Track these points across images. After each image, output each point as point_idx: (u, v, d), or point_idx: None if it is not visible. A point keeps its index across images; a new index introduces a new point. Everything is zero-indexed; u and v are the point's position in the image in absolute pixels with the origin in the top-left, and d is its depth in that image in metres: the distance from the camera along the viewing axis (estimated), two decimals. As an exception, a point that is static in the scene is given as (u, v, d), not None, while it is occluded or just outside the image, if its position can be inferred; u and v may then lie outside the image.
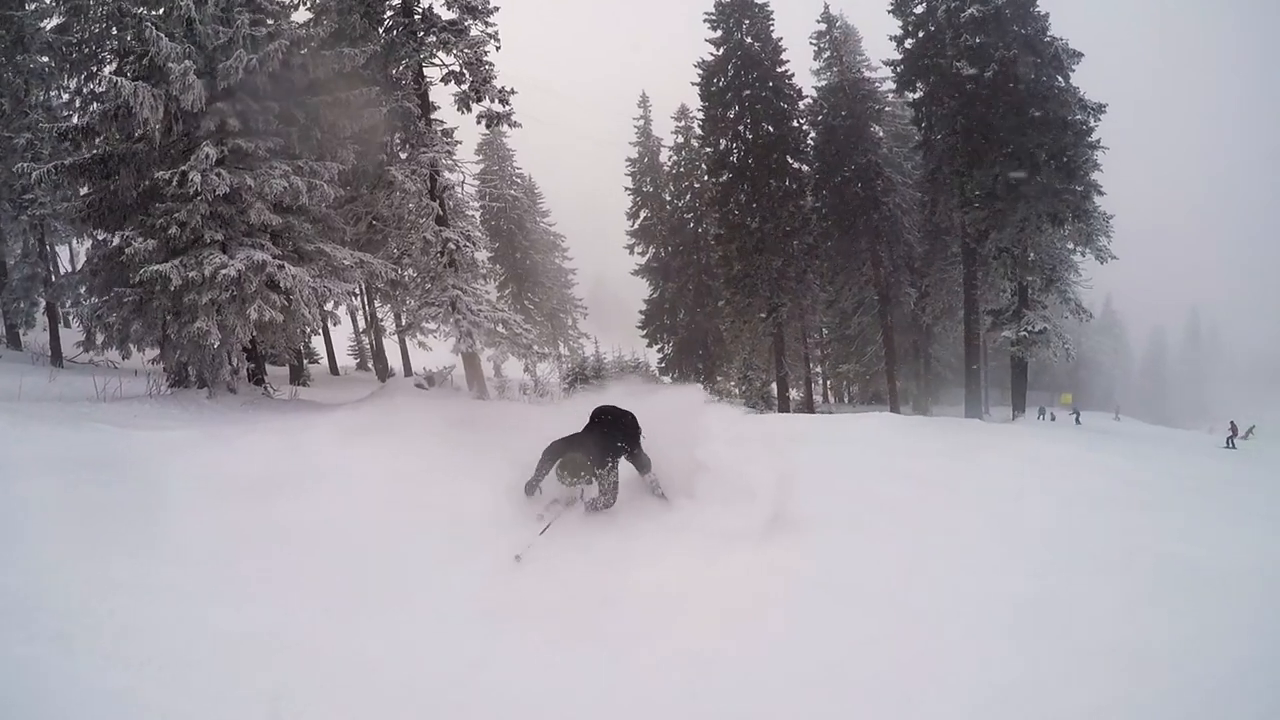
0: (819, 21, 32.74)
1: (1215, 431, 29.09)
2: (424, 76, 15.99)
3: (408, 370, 28.22)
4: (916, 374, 34.36)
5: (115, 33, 13.91)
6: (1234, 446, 24.59)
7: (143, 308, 11.05)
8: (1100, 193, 23.33)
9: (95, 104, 14.11)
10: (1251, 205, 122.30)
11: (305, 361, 25.70)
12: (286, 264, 11.11)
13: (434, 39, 15.92)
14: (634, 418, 6.65)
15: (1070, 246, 24.33)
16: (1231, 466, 16.04)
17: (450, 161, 16.13)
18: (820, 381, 40.08)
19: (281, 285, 10.98)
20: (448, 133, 16.05)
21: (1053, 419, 30.24)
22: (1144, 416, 45.63)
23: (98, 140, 11.53)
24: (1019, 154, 23.13)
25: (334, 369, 31.45)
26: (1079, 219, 23.02)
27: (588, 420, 6.62)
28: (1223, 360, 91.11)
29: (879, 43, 29.94)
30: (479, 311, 15.76)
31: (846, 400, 40.24)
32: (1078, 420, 29.80)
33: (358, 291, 26.38)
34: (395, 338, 27.77)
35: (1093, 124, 23.30)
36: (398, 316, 23.60)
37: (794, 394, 34.47)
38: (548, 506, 6.27)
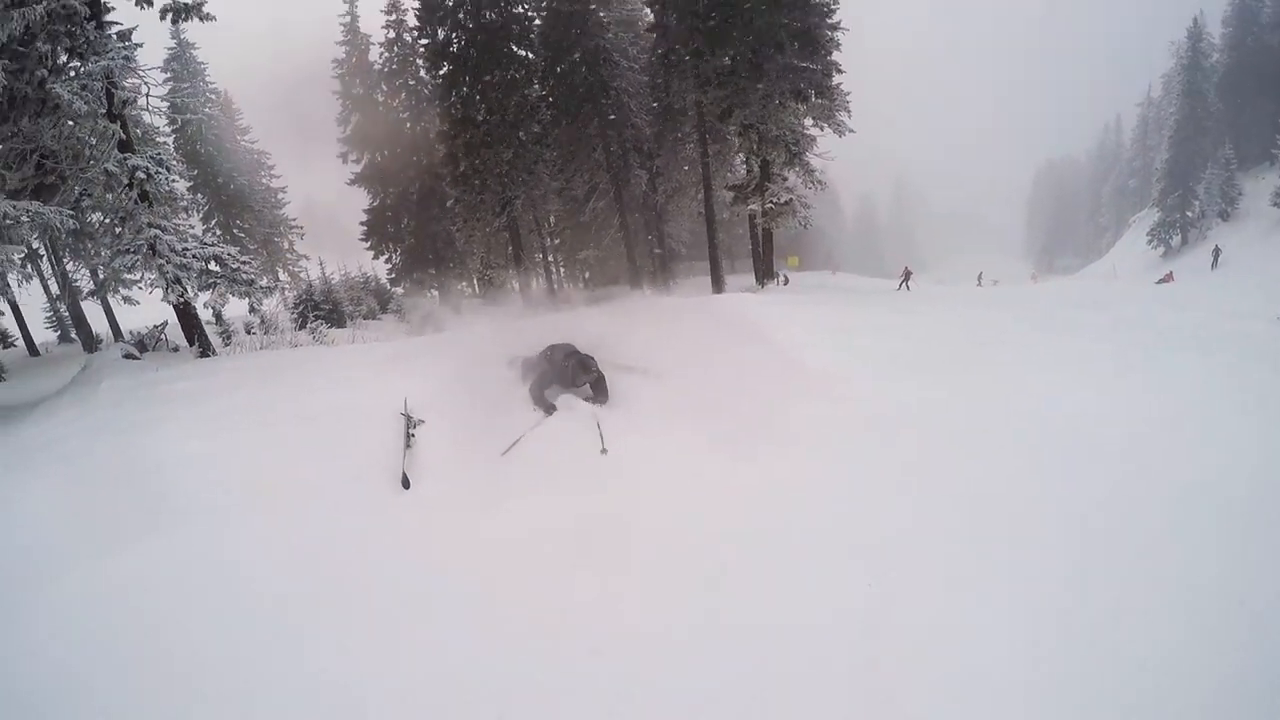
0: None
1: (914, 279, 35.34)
2: (90, -36, 12.88)
3: (117, 334, 24.05)
4: (651, 253, 36.12)
5: None
6: (907, 288, 30.62)
7: None
8: (840, 71, 25.01)
9: None
10: (946, 86, 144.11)
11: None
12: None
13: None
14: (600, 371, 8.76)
15: (810, 121, 25.74)
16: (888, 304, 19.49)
17: (132, 74, 13.34)
18: (557, 270, 40.55)
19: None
20: (124, 35, 13.14)
21: (786, 281, 32.90)
22: (860, 270, 51.89)
23: None
24: (763, 32, 23.99)
25: (32, 349, 26.29)
26: (821, 95, 24.63)
27: (551, 355, 8.92)
28: (925, 217, 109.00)
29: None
30: (185, 250, 13.68)
31: (583, 286, 40.88)
32: (786, 282, 32.71)
33: (42, 251, 22.11)
34: (97, 299, 23.71)
35: (834, 6, 24.57)
36: (93, 273, 20.06)
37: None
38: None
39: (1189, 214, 50.45)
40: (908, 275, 34.34)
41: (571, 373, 8.57)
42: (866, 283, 37.23)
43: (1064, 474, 6.07)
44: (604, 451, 7.27)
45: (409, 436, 7.49)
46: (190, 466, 6.69)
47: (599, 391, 8.67)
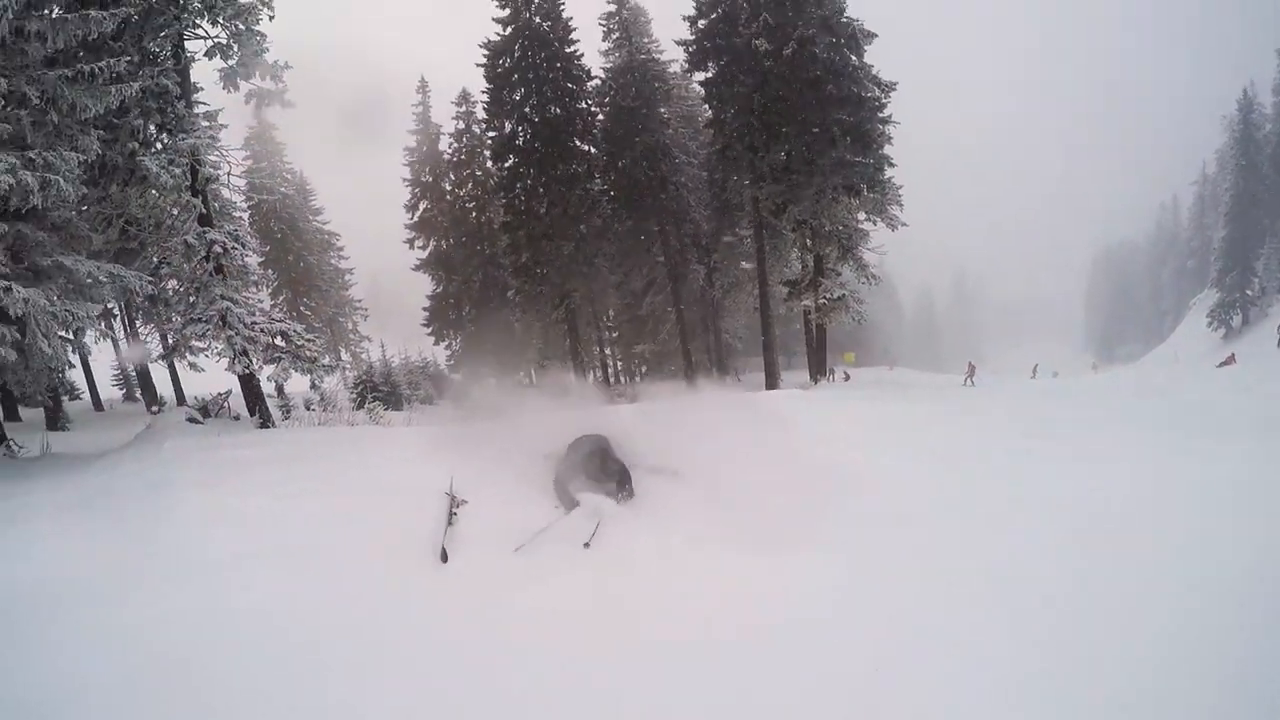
0: (608, 2, 33.43)
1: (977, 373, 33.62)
2: (184, 49, 13.84)
3: (180, 398, 25.17)
4: (708, 347, 36.28)
5: None
6: (972, 384, 29.27)
7: None
8: (891, 164, 25.29)
9: None
10: (1000, 178, 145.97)
11: (63, 399, 22.72)
12: (15, 285, 9.39)
13: (198, 4, 13.65)
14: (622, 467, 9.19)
15: (863, 216, 26.08)
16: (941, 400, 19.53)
17: (215, 152, 14.14)
18: (613, 363, 40.95)
19: (11, 313, 9.39)
20: (210, 116, 14.03)
21: (846, 378, 32.64)
22: (917, 365, 51.30)
23: None
24: (815, 129, 24.66)
25: (97, 404, 27.78)
26: (873, 189, 24.87)
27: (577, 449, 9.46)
28: (985, 310, 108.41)
29: (665, 25, 30.85)
30: (254, 324, 14.27)
31: (639, 379, 41.22)
32: (847, 378, 32.43)
33: (116, 312, 23.32)
34: (163, 362, 24.60)
35: (885, 100, 25.14)
36: (163, 337, 21.03)
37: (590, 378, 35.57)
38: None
39: (1249, 292, 49.46)
40: (972, 371, 33.20)
41: (595, 470, 8.92)
42: (924, 378, 36.54)
43: (1114, 565, 5.87)
44: (586, 545, 7.38)
45: (451, 514, 7.86)
46: (245, 526, 7.03)
47: (622, 488, 8.79)
